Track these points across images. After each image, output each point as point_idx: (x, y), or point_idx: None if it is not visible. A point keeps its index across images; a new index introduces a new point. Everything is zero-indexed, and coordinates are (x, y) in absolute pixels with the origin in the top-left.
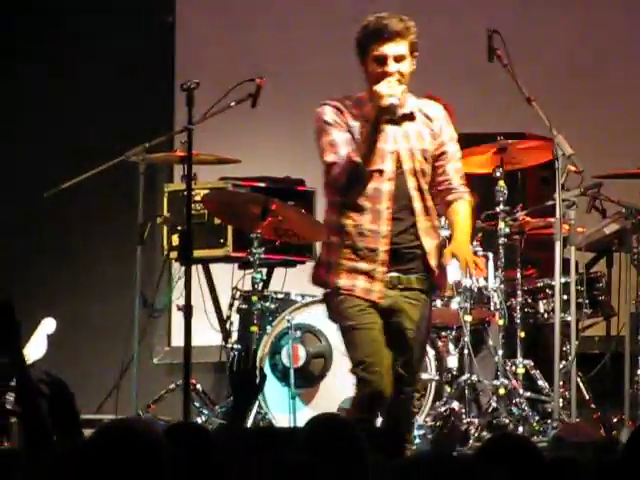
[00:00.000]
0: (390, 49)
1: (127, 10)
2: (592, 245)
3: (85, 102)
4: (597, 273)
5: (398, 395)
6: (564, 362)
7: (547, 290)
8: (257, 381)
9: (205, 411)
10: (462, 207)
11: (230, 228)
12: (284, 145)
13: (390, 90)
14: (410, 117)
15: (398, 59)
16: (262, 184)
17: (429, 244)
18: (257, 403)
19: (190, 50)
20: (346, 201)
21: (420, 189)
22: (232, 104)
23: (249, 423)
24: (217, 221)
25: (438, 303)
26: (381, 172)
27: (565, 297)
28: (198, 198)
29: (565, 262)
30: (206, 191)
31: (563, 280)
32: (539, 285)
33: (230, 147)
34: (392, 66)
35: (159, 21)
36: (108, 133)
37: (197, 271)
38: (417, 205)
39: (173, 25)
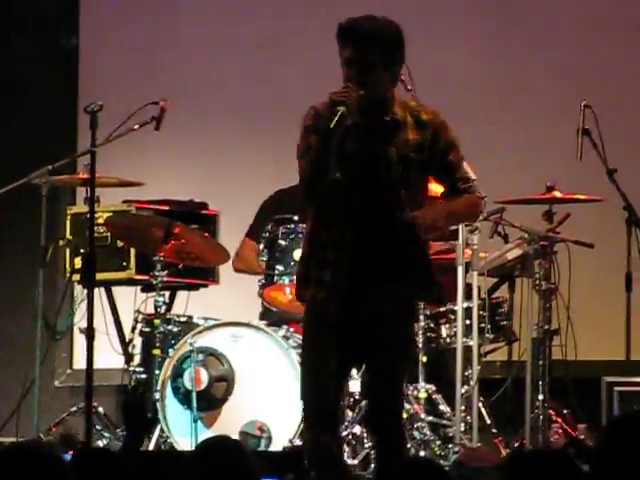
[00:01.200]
0: (352, 53)
1: (31, 31)
2: (494, 270)
3: None
4: (499, 298)
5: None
6: (466, 387)
7: (449, 315)
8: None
9: (106, 434)
10: (466, 198)
11: (133, 251)
12: (188, 168)
13: (340, 98)
14: (395, 124)
15: (362, 65)
16: (165, 207)
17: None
18: (159, 426)
19: (93, 72)
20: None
21: (397, 200)
22: (136, 127)
23: (151, 446)
24: (120, 244)
25: None
26: (352, 180)
27: (467, 322)
28: (101, 221)
29: (467, 287)
30: (109, 214)
31: (465, 305)
32: (441, 310)
33: (133, 170)
34: (355, 73)
35: (62, 43)
36: (10, 155)
37: (99, 294)
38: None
39: (77, 47)
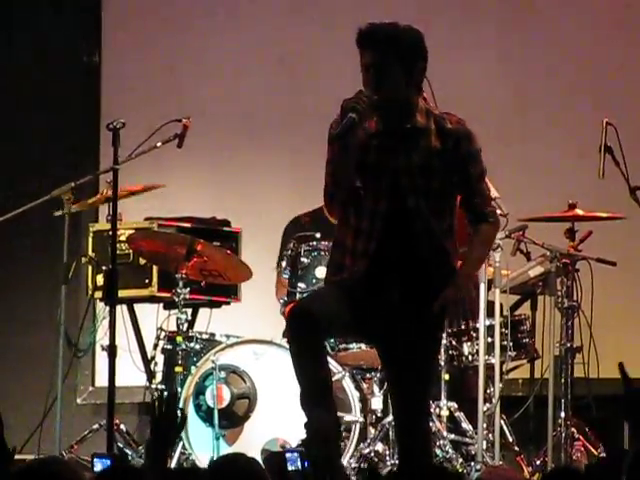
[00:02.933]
0: (368, 57)
1: (53, 49)
2: (516, 288)
3: (11, 140)
4: (521, 316)
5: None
6: (488, 404)
7: (471, 332)
8: (178, 422)
9: (128, 452)
10: (479, 232)
11: (155, 268)
12: (210, 185)
13: (350, 104)
14: (417, 131)
15: (380, 70)
16: (187, 224)
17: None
18: (181, 443)
19: (116, 90)
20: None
21: (419, 209)
22: (158, 144)
23: (173, 463)
24: (142, 261)
25: (363, 345)
26: (374, 189)
27: (489, 339)
28: (123, 238)
29: (490, 304)
30: (131, 231)
31: (487, 322)
32: (463, 327)
33: None
34: (371, 77)
35: (85, 60)
36: (33, 171)
37: (122, 311)
38: (417, 225)
39: (99, 65)
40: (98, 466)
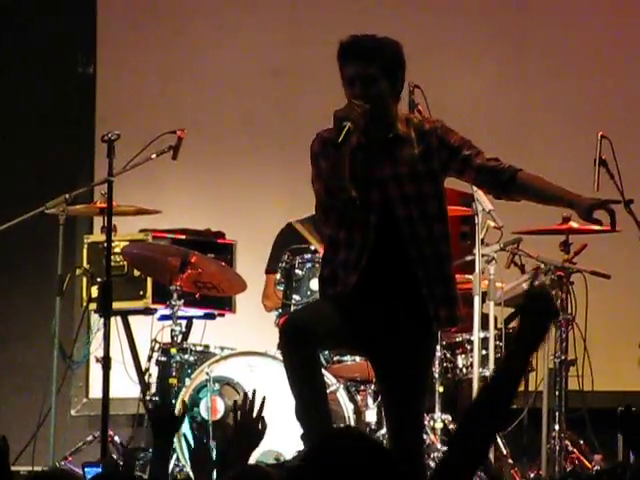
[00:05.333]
0: (354, 69)
1: (48, 60)
2: (511, 300)
3: (4, 152)
4: (515, 328)
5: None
6: None
7: (466, 345)
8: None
9: (122, 463)
10: (526, 173)
11: (150, 280)
12: (205, 197)
13: (345, 113)
14: (400, 140)
15: (365, 80)
16: (182, 236)
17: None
18: (175, 455)
19: (110, 101)
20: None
21: (411, 218)
22: (153, 156)
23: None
24: (137, 273)
25: (357, 357)
26: (363, 201)
27: (484, 352)
28: (118, 250)
29: (484, 317)
30: (126, 243)
31: (482, 335)
32: (458, 340)
33: (150, 199)
34: (357, 88)
35: (80, 72)
36: (27, 183)
37: (116, 323)
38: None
39: (94, 76)
40: (89, 475)
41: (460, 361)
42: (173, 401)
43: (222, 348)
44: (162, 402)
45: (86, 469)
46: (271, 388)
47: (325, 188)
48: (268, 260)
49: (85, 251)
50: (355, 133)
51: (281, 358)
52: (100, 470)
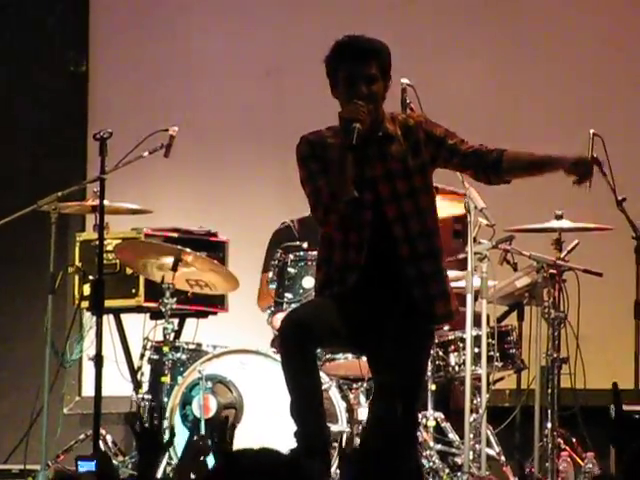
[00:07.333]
0: (358, 69)
1: (40, 58)
2: (503, 298)
3: None
4: (508, 326)
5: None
6: (474, 415)
7: (458, 343)
8: (165, 438)
9: (114, 462)
10: (511, 150)
11: (142, 278)
12: (197, 195)
13: (353, 114)
14: (389, 138)
15: (368, 80)
16: (175, 234)
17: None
18: (167, 454)
19: (103, 99)
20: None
21: (403, 215)
22: (145, 154)
23: (159, 474)
24: (129, 271)
25: (349, 355)
26: (359, 200)
27: (476, 350)
28: (110, 248)
29: (476, 315)
30: (118, 241)
31: (474, 333)
32: (450, 338)
33: (143, 197)
34: (363, 88)
35: (72, 70)
36: (19, 181)
37: (108, 321)
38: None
39: (86, 74)
40: (82, 468)
41: (452, 359)
42: (165, 399)
43: (214, 346)
44: (150, 428)
45: (79, 462)
46: (263, 385)
47: (329, 190)
48: (265, 259)
49: (77, 249)
50: (362, 134)
51: (273, 356)
52: (93, 465)
